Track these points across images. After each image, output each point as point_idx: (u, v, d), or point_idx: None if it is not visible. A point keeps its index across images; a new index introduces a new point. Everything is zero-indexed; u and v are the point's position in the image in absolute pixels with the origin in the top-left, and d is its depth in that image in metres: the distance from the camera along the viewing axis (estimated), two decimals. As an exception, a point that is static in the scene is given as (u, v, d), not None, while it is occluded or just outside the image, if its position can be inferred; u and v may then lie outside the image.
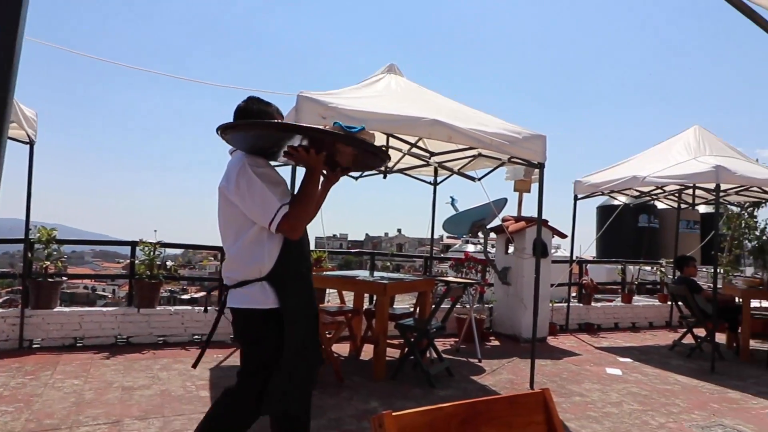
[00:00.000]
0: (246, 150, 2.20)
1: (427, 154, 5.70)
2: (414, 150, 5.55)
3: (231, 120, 2.23)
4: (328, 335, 4.66)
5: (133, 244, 5.95)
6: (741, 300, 6.56)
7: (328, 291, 6.21)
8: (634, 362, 6.01)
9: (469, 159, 5.84)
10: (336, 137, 2.03)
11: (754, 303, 6.71)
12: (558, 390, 4.70)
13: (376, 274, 5.57)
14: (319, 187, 2.29)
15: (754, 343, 6.80)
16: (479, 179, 5.82)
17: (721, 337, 6.96)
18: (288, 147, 2.11)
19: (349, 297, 5.84)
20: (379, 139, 5.72)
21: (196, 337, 5.81)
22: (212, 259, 9.05)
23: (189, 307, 6.10)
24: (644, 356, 6.36)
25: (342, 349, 5.70)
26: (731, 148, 7.48)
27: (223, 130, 2.03)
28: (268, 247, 2.16)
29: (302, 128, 2.09)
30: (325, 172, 2.31)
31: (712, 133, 7.64)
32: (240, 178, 2.12)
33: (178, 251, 9.95)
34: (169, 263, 6.22)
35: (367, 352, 5.46)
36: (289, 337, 2.15)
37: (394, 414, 1.10)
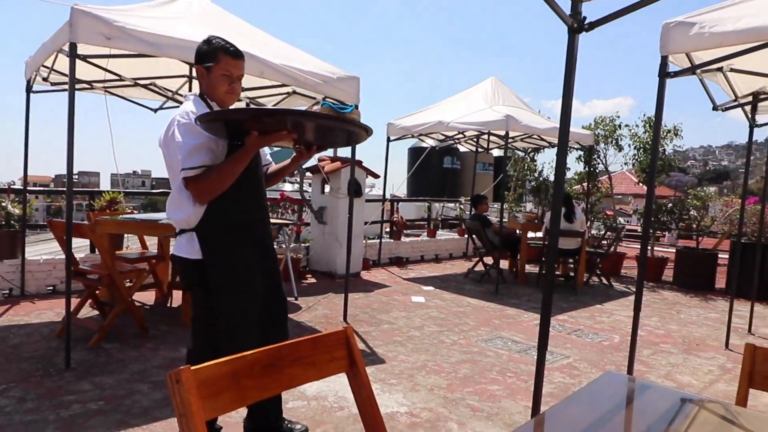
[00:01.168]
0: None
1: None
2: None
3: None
4: (128, 284, 4.30)
5: None
6: (520, 232, 7.64)
7: (126, 236, 5.67)
8: (436, 290, 6.68)
9: (283, 96, 5.69)
10: (327, 120, 2.03)
11: (531, 234, 7.85)
12: (369, 320, 5.02)
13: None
14: (290, 162, 2.47)
15: (529, 268, 8.02)
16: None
17: (505, 264, 8.07)
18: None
19: (153, 242, 5.42)
20: (181, 67, 5.25)
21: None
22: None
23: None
24: (444, 284, 7.10)
25: (148, 297, 5.34)
26: (520, 100, 8.44)
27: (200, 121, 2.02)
28: (191, 198, 2.18)
29: (285, 114, 2.08)
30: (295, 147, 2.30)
31: (505, 85, 8.50)
32: (168, 128, 2.19)
33: None
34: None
35: (177, 298, 5.20)
36: (216, 296, 2.23)
37: (192, 368, 1.04)
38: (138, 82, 5.64)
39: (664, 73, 2.69)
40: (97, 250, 5.23)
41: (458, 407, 3.15)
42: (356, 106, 2.18)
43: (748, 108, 4.28)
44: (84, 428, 2.65)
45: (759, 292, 5.82)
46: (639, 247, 7.65)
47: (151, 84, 5.79)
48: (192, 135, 2.13)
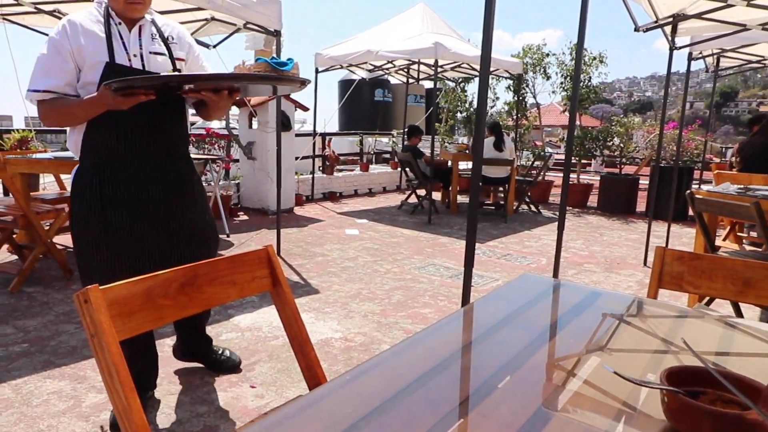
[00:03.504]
0: None
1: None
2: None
3: None
4: (46, 226, 4.05)
5: None
6: (452, 162, 7.75)
7: (42, 176, 5.30)
8: (369, 222, 6.74)
9: (202, 23, 5.32)
10: (267, 80, 1.89)
11: (462, 165, 7.98)
12: (303, 253, 5.02)
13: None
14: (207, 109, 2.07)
15: (461, 198, 8.21)
16: (214, 46, 5.39)
17: (438, 196, 8.22)
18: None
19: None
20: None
21: None
22: None
23: None
24: (377, 216, 7.17)
25: (69, 240, 5.08)
26: (450, 28, 8.33)
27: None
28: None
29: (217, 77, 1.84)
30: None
31: (435, 12, 8.34)
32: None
33: None
34: None
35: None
36: (76, 239, 2.06)
37: (101, 288, 1.00)
38: (39, 7, 5.09)
39: (585, -7, 2.70)
40: (10, 193, 4.86)
41: (392, 330, 3.26)
42: (294, 61, 1.94)
43: (668, 30, 4.42)
44: (8, 371, 2.55)
45: (675, 212, 6.24)
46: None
47: (55, 11, 5.24)
48: (51, 52, 1.86)
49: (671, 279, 1.45)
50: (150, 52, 1.96)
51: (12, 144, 5.04)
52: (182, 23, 5.42)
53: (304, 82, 1.84)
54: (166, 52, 2.01)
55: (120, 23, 1.93)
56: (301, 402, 0.81)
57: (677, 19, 4.24)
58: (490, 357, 0.98)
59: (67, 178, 5.36)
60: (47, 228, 4.04)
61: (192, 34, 5.40)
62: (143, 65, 1.94)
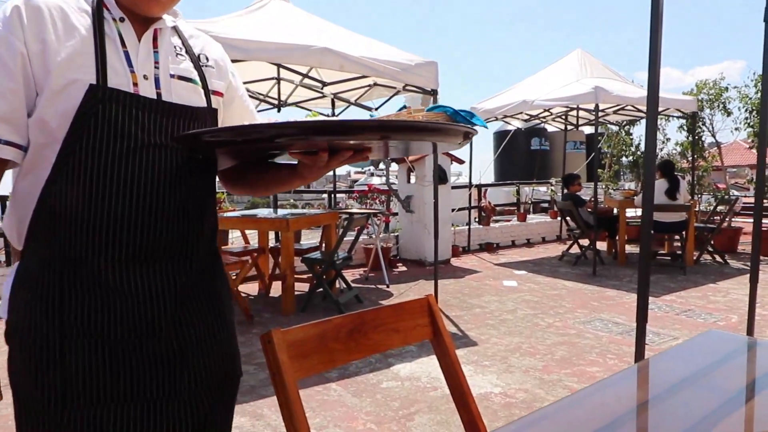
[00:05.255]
0: None
1: (320, 84, 5.58)
2: (306, 81, 5.39)
3: None
4: (233, 276, 4.61)
5: None
6: (618, 210, 7.24)
7: (231, 232, 6.09)
8: (528, 273, 6.52)
9: (365, 89, 5.79)
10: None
11: (629, 212, 7.42)
12: (460, 305, 5.01)
13: (280, 211, 5.51)
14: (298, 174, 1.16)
15: (629, 248, 7.58)
16: (376, 109, 5.81)
17: (602, 245, 7.69)
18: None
19: (254, 238, 5.77)
20: (269, 70, 5.50)
21: None
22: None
23: None
24: (537, 267, 6.91)
25: (251, 288, 5.68)
26: (610, 71, 7.99)
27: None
28: (19, 192, 1.03)
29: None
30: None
31: (593, 56, 8.08)
32: None
33: None
34: None
35: (276, 289, 5.48)
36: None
37: (282, 330, 1.12)
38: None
39: (769, 19, 2.44)
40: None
41: (555, 388, 3.08)
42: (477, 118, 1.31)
43: None
44: (199, 405, 2.89)
45: None
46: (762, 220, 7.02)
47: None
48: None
49: None
50: (172, 75, 1.08)
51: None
52: (348, 91, 5.99)
53: (468, 135, 1.06)
54: (198, 79, 1.13)
55: (122, 19, 1.04)
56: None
57: None
58: (672, 419, 0.89)
59: (252, 234, 6.10)
60: (234, 277, 4.58)
61: (357, 99, 5.91)
62: (158, 95, 1.05)
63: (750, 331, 2.88)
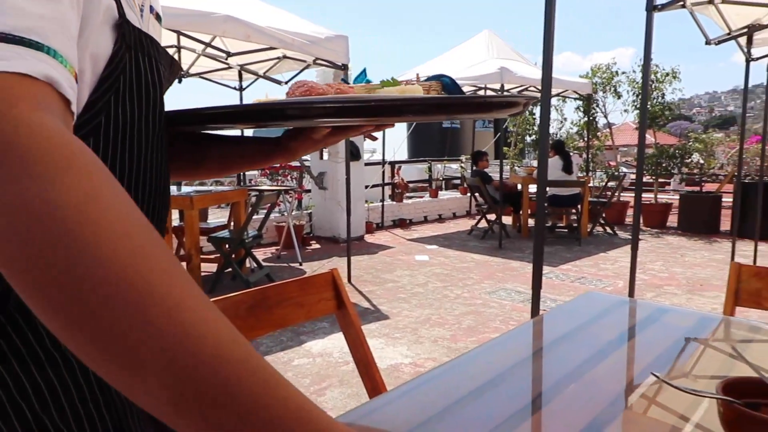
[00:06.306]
0: None
1: (224, 55, 5.35)
2: (210, 50, 5.14)
3: None
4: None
5: None
6: (522, 186, 7.62)
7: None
8: (439, 248, 6.73)
9: (275, 61, 5.63)
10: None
11: (532, 188, 7.83)
12: (373, 280, 5.08)
13: (184, 188, 5.27)
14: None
15: (532, 221, 8.02)
16: (286, 82, 5.68)
17: (508, 220, 8.09)
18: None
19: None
20: (168, 37, 5.19)
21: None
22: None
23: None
24: (447, 242, 7.14)
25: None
26: (515, 53, 8.30)
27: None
28: None
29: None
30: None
31: (500, 38, 8.36)
32: None
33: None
34: None
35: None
36: None
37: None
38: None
39: (651, 7, 2.63)
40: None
41: (462, 355, 3.22)
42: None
43: (743, 41, 4.20)
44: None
45: (763, 230, 5.81)
46: (644, 195, 7.69)
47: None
48: None
49: (749, 296, 1.36)
50: (151, 10, 0.70)
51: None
52: (256, 63, 5.78)
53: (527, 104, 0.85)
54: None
55: None
56: (390, 395, 0.83)
57: (752, 29, 4.02)
58: (560, 364, 0.96)
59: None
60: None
61: (265, 72, 5.73)
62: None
63: (631, 293, 3.16)
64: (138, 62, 0.59)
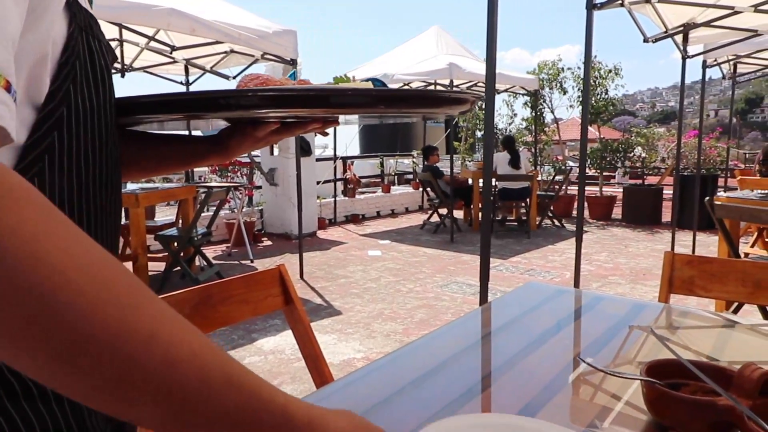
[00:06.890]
0: None
1: (169, 49, 5.19)
2: (153, 44, 4.98)
3: None
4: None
5: None
6: (472, 181, 7.76)
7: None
8: (392, 243, 6.77)
9: (222, 55, 5.51)
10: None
11: (482, 182, 7.97)
12: (325, 276, 5.07)
13: (129, 186, 5.09)
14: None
15: (482, 215, 8.18)
16: (234, 77, 5.56)
17: (459, 214, 8.22)
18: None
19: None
20: (110, 30, 4.99)
21: None
22: None
23: None
24: (400, 236, 7.19)
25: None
26: (464, 49, 8.42)
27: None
28: None
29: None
30: None
31: (449, 34, 8.45)
32: None
33: None
34: None
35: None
36: None
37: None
38: None
39: (591, 5, 2.73)
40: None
41: (414, 348, 3.26)
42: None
43: (679, 39, 4.42)
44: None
45: (701, 221, 6.11)
46: (590, 188, 8.00)
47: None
48: None
49: (682, 283, 1.44)
50: None
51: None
52: (203, 57, 5.64)
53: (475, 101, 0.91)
54: None
55: None
56: (351, 376, 0.84)
57: (687, 27, 4.23)
58: (504, 346, 1.00)
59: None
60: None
61: (212, 66, 5.60)
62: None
63: (576, 284, 3.28)
64: (90, 45, 0.55)
